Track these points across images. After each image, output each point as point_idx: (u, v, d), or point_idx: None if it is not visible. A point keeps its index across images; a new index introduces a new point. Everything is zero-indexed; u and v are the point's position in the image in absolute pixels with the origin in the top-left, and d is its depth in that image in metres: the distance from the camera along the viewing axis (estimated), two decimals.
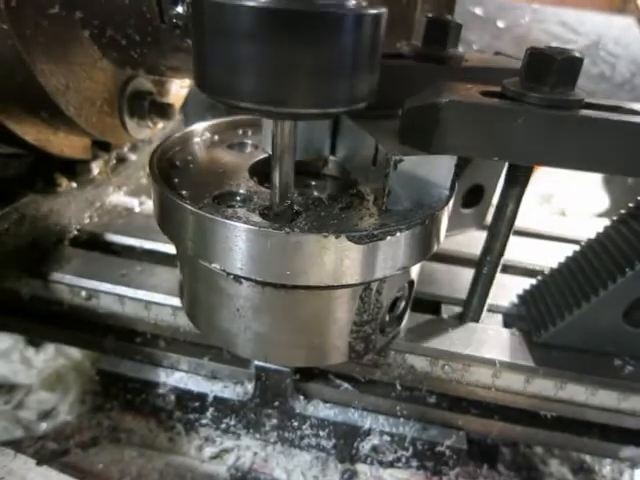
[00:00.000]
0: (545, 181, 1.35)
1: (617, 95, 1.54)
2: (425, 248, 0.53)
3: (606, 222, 1.26)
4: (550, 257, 0.81)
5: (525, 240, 0.89)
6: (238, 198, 0.53)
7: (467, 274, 0.75)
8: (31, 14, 0.54)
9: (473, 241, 0.83)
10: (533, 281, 0.73)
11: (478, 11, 1.56)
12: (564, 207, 1.39)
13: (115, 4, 0.58)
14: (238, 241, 0.46)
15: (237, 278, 0.51)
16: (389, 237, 0.47)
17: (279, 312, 0.53)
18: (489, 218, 0.87)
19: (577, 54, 0.49)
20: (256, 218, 0.49)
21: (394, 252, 0.49)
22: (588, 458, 0.81)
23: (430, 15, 0.63)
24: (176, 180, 0.56)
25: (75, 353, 0.85)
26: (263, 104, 0.40)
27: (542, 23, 1.58)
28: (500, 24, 1.57)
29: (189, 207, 0.48)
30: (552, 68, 0.48)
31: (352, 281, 0.49)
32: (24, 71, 0.56)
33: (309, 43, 0.37)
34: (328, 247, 0.45)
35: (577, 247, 0.69)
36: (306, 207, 0.51)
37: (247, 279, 0.51)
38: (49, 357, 0.86)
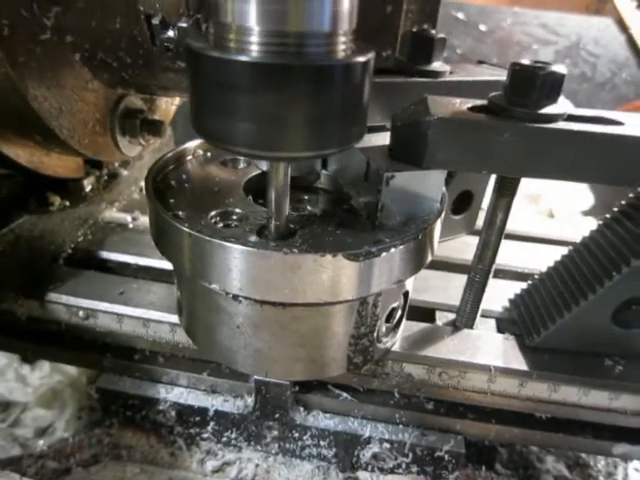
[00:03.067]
0: (532, 182, 1.37)
1: (599, 95, 1.57)
2: (420, 260, 0.54)
3: (592, 222, 1.29)
4: (539, 260, 0.83)
5: (514, 243, 0.91)
6: (234, 217, 0.54)
7: (460, 280, 0.76)
8: (23, 41, 0.55)
9: (464, 247, 0.85)
10: (523, 285, 0.75)
11: (460, 16, 1.58)
12: (551, 207, 1.42)
13: (106, 28, 0.58)
14: (237, 262, 0.47)
15: (236, 297, 0.52)
16: (385, 253, 0.48)
17: (278, 329, 0.54)
18: (479, 223, 0.90)
19: (559, 68, 0.50)
20: (253, 238, 0.50)
21: (390, 267, 0.50)
22: (583, 453, 0.83)
23: (415, 30, 0.65)
24: (172, 200, 0.57)
25: (71, 370, 0.85)
26: (257, 149, 0.41)
27: (523, 26, 1.60)
28: (482, 28, 1.59)
29: (187, 230, 0.49)
30: (535, 83, 0.50)
31: (349, 297, 0.50)
32: (17, 97, 0.56)
33: (300, 93, 0.39)
34: (326, 266, 0.46)
35: (565, 249, 0.71)
36: (301, 224, 0.52)
37: (246, 298, 0.52)
38: (44, 374, 0.86)
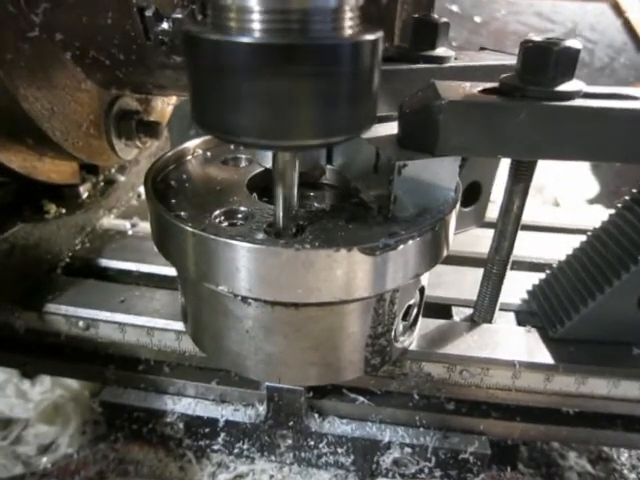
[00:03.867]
0: (536, 172, 1.35)
1: (598, 80, 1.55)
2: (437, 253, 0.51)
3: (600, 209, 1.27)
4: (552, 249, 0.81)
5: (524, 233, 0.88)
6: (240, 215, 0.52)
7: (473, 274, 0.74)
8: (11, 38, 0.52)
9: (476, 240, 0.82)
10: (540, 275, 0.72)
11: (455, 8, 1.57)
12: (556, 196, 1.40)
13: (97, 24, 0.56)
14: (245, 262, 0.44)
15: (245, 299, 0.49)
16: (401, 246, 0.45)
17: (291, 331, 0.51)
18: (488, 215, 0.87)
19: (573, 43, 0.48)
20: (260, 235, 0.47)
21: (407, 261, 0.47)
22: (606, 447, 0.81)
23: (417, 16, 0.62)
24: (173, 201, 0.54)
25: (72, 383, 0.83)
26: (263, 138, 0.39)
27: (518, 15, 1.59)
28: (477, 19, 1.57)
29: (191, 229, 0.46)
30: (549, 60, 0.47)
31: (366, 294, 0.47)
32: (7, 98, 0.54)
33: (306, 75, 0.36)
34: (340, 261, 0.44)
35: (578, 237, 0.69)
36: (310, 220, 0.50)
37: (256, 300, 0.49)
38: (46, 389, 0.83)
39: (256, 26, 0.36)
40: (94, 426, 0.78)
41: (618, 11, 1.63)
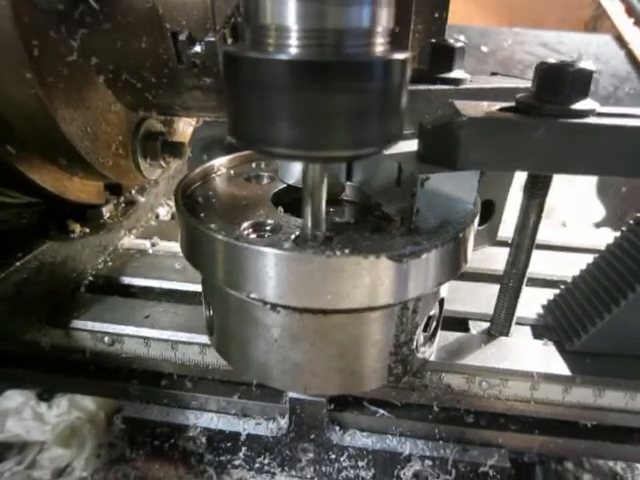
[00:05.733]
0: None
1: None
2: (457, 263, 0.53)
3: (607, 231, 1.29)
4: (564, 267, 0.83)
5: (538, 252, 0.89)
6: (267, 228, 0.53)
7: (488, 289, 0.76)
8: (52, 62, 0.55)
9: (490, 257, 0.83)
10: (553, 291, 0.74)
11: (462, 38, 1.61)
12: (564, 219, 1.42)
13: (131, 48, 0.59)
14: (278, 269, 0.46)
15: (274, 307, 0.51)
16: (426, 254, 0.47)
17: (318, 339, 0.52)
18: (501, 233, 0.89)
19: (587, 65, 0.50)
20: (289, 245, 0.49)
21: (430, 269, 0.49)
22: (620, 469, 0.80)
23: (435, 40, 0.66)
24: (202, 214, 0.56)
25: (89, 405, 0.83)
26: (297, 149, 0.41)
27: (524, 45, 1.63)
28: (484, 49, 1.62)
29: (224, 238, 0.48)
30: (565, 80, 0.50)
31: (392, 301, 0.49)
32: (46, 119, 0.56)
33: (339, 91, 0.39)
34: (369, 268, 0.45)
35: (589, 255, 0.70)
36: (336, 231, 0.52)
37: (285, 307, 0.50)
38: (62, 411, 0.83)
39: (292, 44, 0.38)
40: (109, 449, 0.79)
41: (621, 42, 1.68)
